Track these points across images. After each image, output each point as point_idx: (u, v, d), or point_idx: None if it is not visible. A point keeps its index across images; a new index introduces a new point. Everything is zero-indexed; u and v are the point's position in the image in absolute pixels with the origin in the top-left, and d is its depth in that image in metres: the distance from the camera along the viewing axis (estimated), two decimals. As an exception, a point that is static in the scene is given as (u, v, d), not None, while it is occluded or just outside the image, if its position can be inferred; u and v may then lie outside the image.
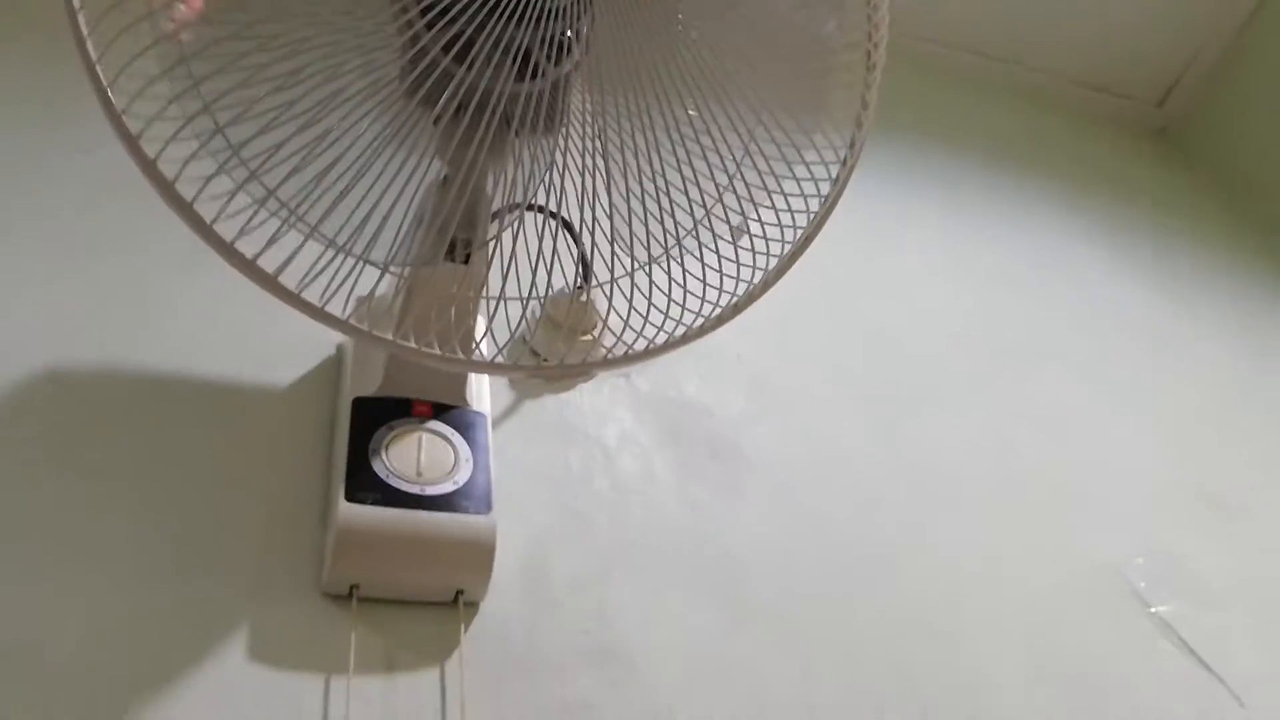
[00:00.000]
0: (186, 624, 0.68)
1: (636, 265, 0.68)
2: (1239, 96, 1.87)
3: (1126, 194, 1.78)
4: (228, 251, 0.58)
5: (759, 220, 0.72)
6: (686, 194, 0.71)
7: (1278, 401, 1.36)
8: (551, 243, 0.68)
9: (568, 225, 0.70)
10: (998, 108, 1.86)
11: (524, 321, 0.67)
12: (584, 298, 0.92)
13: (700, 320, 0.69)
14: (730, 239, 0.75)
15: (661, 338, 0.68)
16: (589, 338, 0.92)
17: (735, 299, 0.73)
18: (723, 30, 0.65)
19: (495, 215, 0.71)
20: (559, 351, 0.75)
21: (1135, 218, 1.70)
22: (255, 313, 0.89)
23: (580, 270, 0.81)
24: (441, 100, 0.60)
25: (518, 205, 0.70)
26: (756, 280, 0.73)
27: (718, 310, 0.72)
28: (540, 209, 0.70)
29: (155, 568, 0.71)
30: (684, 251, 0.70)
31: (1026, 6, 1.83)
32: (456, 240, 0.68)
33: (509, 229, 0.67)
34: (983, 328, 1.29)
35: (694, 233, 0.72)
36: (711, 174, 0.71)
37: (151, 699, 0.63)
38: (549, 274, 0.67)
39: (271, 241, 0.59)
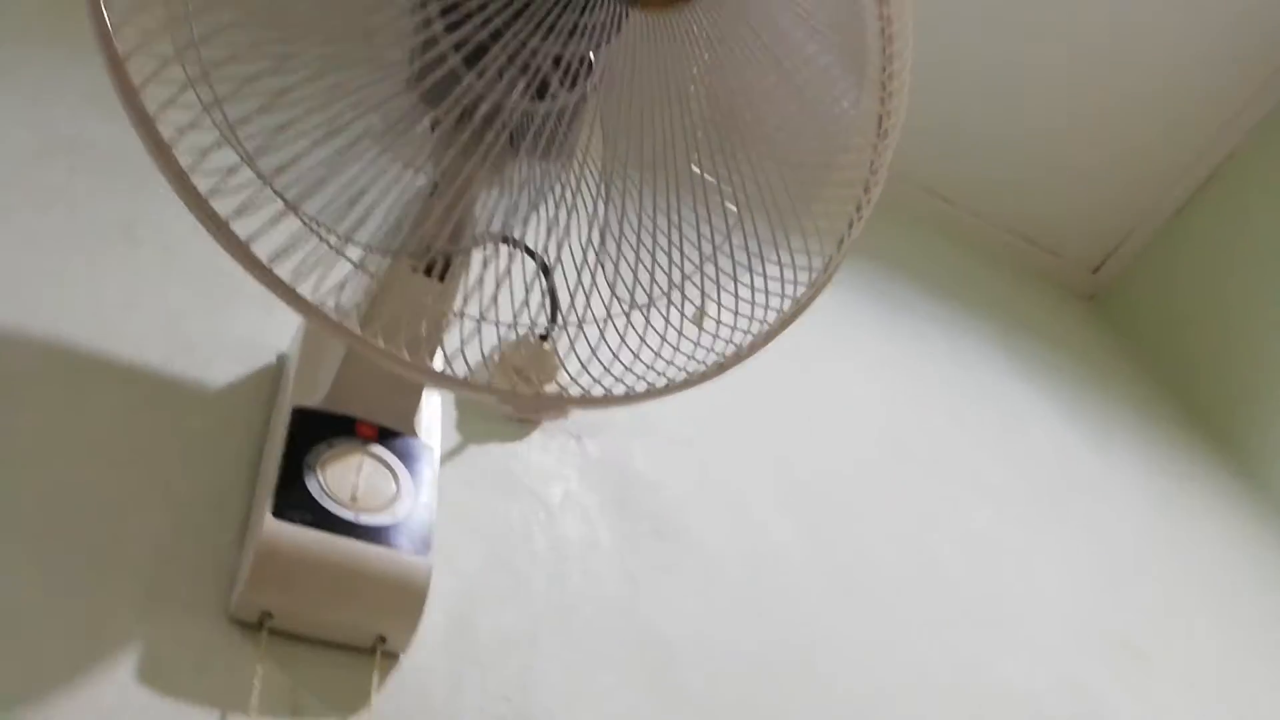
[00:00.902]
0: (69, 630, 0.60)
1: (620, 309, 0.66)
2: (1167, 274, 1.98)
3: (1054, 344, 1.85)
4: (204, 210, 0.54)
5: (735, 295, 0.71)
6: (669, 254, 0.70)
7: (1183, 550, 1.40)
8: (525, 278, 0.66)
9: (545, 268, 0.68)
10: (940, 243, 1.93)
11: (495, 350, 0.64)
12: (547, 345, 0.89)
13: (680, 375, 0.67)
14: (692, 319, 0.74)
15: (641, 386, 0.65)
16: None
17: (706, 366, 0.71)
18: (738, 88, 0.65)
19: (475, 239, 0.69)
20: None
21: (1061, 366, 1.76)
22: (196, 301, 0.83)
23: (549, 311, 0.79)
24: (445, 103, 0.58)
25: (499, 235, 0.68)
26: (728, 353, 0.71)
27: (688, 371, 0.70)
28: (515, 243, 0.69)
29: (38, 560, 0.63)
30: (664, 304, 0.69)
31: (980, 153, 1.92)
32: (435, 256, 0.65)
33: (487, 257, 0.65)
34: (915, 444, 1.30)
35: (668, 294, 0.71)
36: (698, 242, 0.70)
37: (21, 712, 0.55)
38: (526, 307, 0.65)
39: (244, 209, 0.55)
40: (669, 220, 0.69)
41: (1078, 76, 1.85)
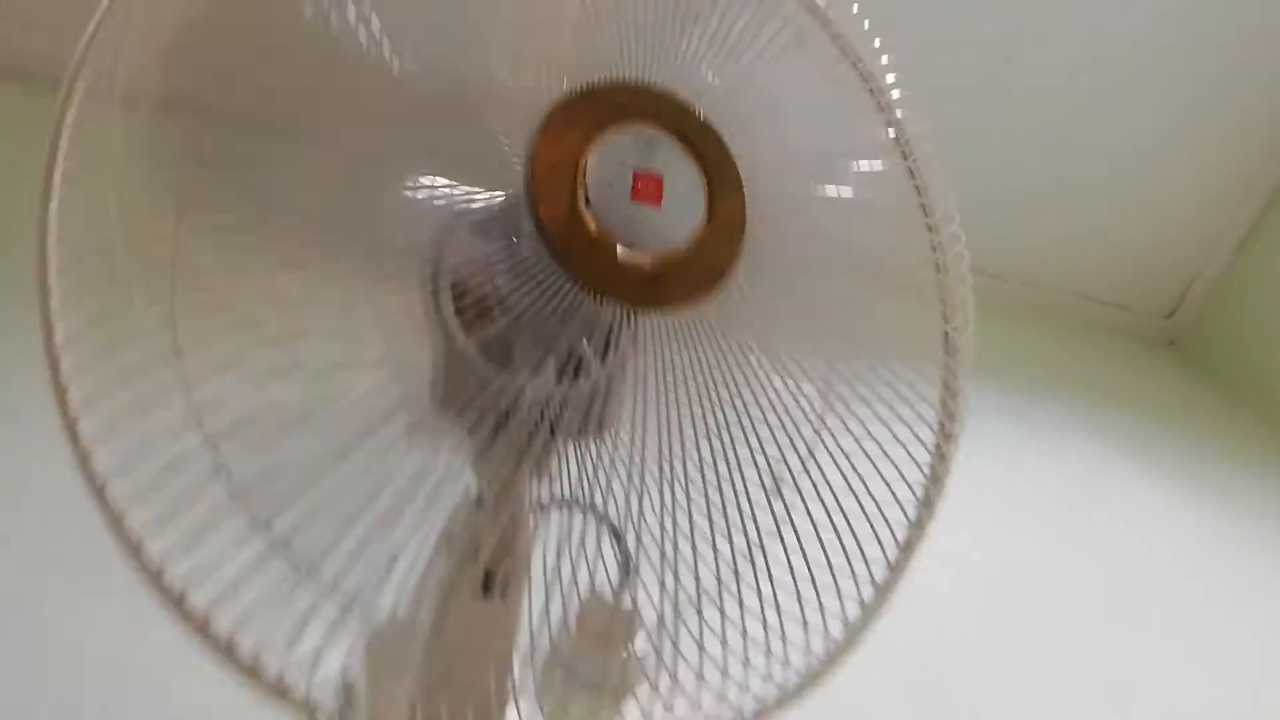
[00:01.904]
0: None
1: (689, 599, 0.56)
2: (1245, 304, 1.86)
3: (1143, 406, 1.72)
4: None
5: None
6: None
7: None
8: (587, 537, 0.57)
9: (615, 529, 0.59)
10: (998, 322, 1.82)
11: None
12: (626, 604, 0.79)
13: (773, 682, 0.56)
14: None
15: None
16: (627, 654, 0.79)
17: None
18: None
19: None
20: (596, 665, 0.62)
21: (1157, 432, 1.63)
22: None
23: (622, 569, 0.69)
24: (474, 410, 0.50)
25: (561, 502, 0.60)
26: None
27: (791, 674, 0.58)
28: (581, 505, 0.60)
29: None
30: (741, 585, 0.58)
31: (1020, 217, 1.83)
32: (490, 573, 0.56)
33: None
34: (1025, 577, 1.17)
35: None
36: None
37: None
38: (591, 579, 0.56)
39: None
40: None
41: (1112, 119, 1.76)
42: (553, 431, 0.53)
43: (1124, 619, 1.15)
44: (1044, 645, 1.06)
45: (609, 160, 0.42)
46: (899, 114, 0.53)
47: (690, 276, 0.44)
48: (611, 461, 0.55)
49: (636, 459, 0.53)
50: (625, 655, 0.76)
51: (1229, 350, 1.89)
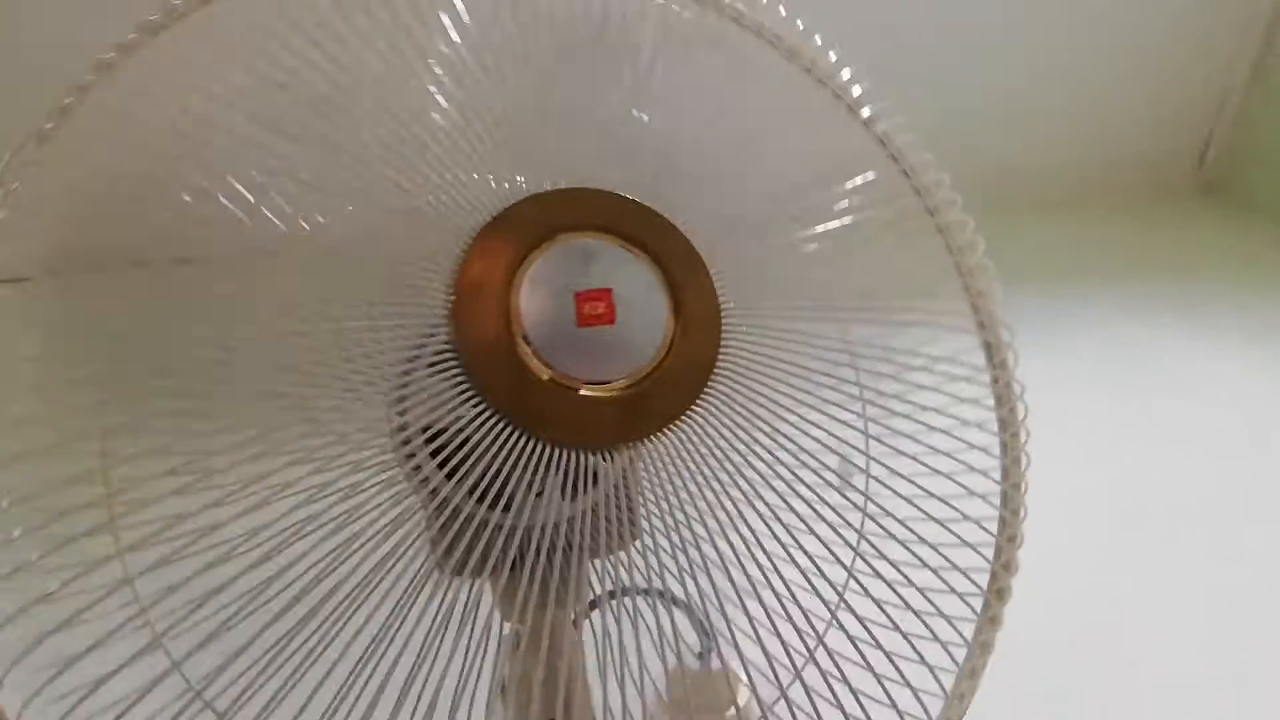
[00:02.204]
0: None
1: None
2: (1273, 130, 1.74)
3: (1199, 266, 1.61)
4: None
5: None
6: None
7: None
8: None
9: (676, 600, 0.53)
10: (1047, 224, 1.72)
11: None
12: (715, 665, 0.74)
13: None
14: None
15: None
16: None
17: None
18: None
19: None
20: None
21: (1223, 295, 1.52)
22: None
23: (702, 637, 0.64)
24: (488, 558, 0.45)
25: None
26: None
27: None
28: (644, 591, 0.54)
29: None
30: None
31: (1038, 117, 1.72)
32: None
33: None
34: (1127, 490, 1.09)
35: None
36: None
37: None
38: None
39: None
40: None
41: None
42: (576, 551, 0.47)
43: (1225, 513, 1.07)
44: (1161, 562, 0.99)
45: (542, 292, 0.36)
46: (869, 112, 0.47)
47: (675, 382, 0.38)
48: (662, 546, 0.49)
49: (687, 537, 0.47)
50: (732, 713, 0.71)
51: (1272, 181, 1.77)
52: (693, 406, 0.38)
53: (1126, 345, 1.37)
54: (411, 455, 0.41)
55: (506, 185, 0.38)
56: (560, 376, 0.36)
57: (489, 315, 0.36)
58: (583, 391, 0.36)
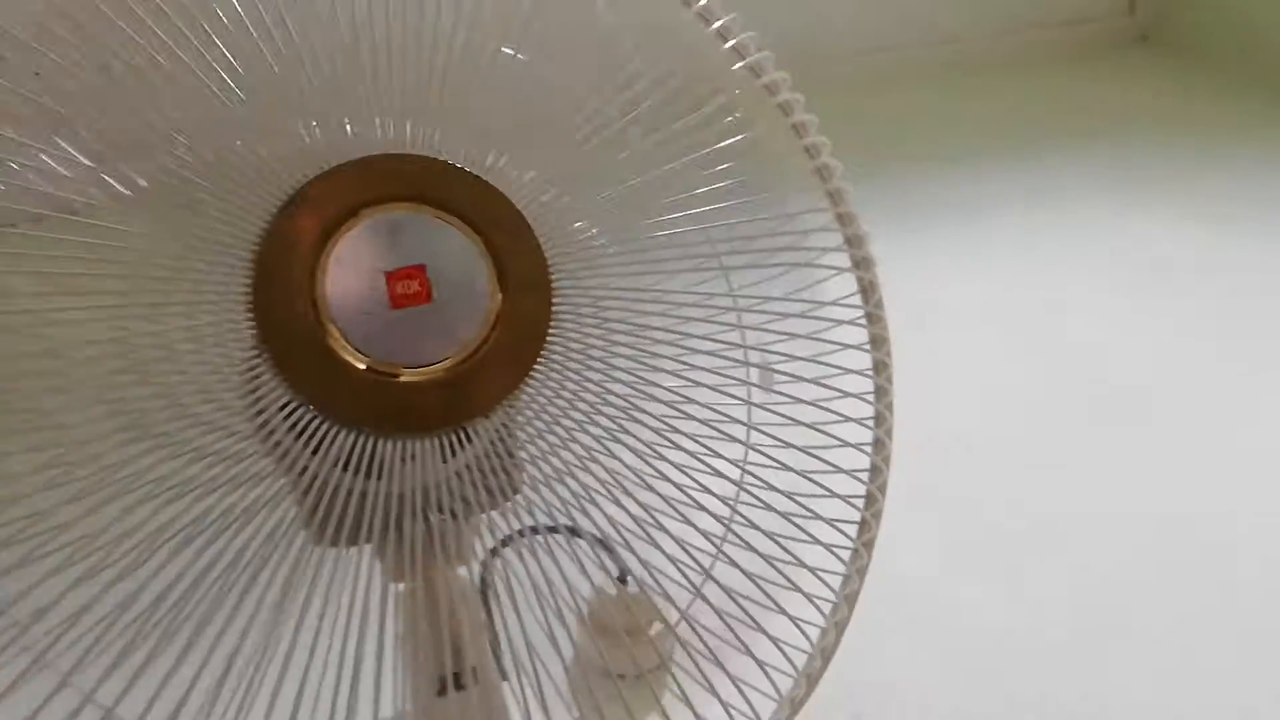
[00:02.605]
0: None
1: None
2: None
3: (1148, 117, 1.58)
4: None
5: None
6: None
7: None
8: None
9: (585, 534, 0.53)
10: (981, 91, 1.67)
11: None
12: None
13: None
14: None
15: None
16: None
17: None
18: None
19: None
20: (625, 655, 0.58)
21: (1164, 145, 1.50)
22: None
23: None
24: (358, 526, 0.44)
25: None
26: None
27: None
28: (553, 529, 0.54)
29: None
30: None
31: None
32: (447, 678, 0.51)
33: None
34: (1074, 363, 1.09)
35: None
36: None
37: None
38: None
39: None
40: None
41: None
42: (461, 511, 0.46)
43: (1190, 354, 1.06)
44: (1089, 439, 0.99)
45: (350, 275, 0.34)
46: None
47: (504, 358, 0.36)
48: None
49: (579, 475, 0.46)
50: (652, 634, 0.72)
51: (1210, 28, 1.73)
52: (528, 378, 0.36)
53: (1054, 214, 1.36)
54: (272, 433, 0.39)
55: (300, 156, 0.35)
56: (377, 364, 0.34)
57: (294, 306, 0.33)
58: (402, 378, 0.34)
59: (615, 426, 0.41)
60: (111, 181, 0.35)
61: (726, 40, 0.44)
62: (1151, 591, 0.79)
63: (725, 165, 0.42)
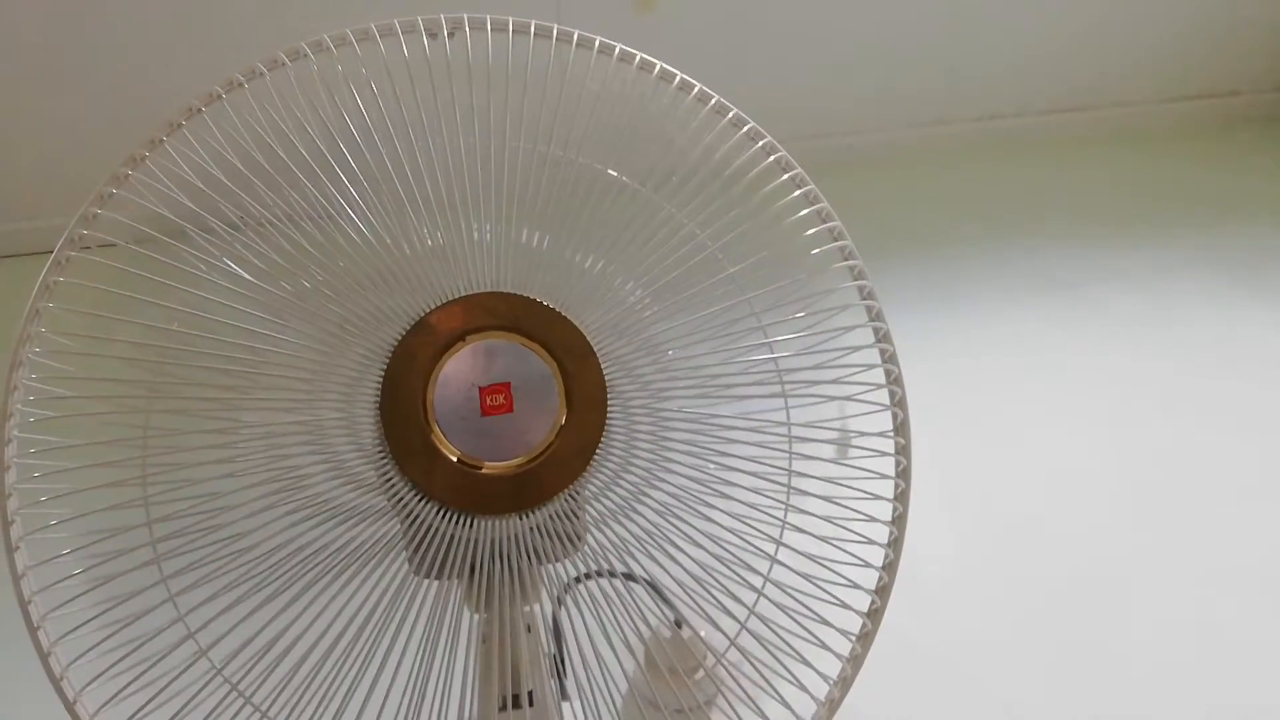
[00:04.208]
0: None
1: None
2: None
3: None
4: None
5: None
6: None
7: None
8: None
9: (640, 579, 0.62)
10: (1081, 159, 1.66)
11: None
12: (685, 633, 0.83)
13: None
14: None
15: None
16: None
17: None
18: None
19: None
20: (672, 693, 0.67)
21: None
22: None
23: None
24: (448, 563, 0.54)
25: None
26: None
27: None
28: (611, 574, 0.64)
29: None
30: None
31: (1101, 46, 1.66)
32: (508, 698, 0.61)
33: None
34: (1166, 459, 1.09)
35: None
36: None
37: None
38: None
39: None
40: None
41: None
42: (533, 558, 0.57)
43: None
44: (1197, 536, 1.00)
45: (453, 388, 0.45)
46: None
47: (563, 460, 0.46)
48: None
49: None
50: (699, 676, 0.81)
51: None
52: (586, 471, 0.46)
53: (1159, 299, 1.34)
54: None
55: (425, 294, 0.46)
56: (466, 457, 0.45)
57: (410, 408, 0.44)
58: (485, 470, 0.45)
59: (663, 509, 0.51)
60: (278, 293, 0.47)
61: (799, 187, 0.53)
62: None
63: (779, 308, 0.51)
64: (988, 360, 1.20)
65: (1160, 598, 0.91)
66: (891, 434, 0.56)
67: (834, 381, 0.55)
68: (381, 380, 0.44)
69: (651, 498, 0.50)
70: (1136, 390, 1.16)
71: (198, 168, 0.50)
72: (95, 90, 1.27)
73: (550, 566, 0.54)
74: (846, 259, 0.56)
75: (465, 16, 0.54)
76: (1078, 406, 1.14)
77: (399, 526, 0.50)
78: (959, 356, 1.20)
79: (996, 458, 1.06)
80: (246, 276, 0.46)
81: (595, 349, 0.46)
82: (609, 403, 0.46)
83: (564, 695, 0.63)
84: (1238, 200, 1.55)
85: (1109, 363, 1.21)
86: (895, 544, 0.55)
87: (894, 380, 0.54)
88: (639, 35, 1.36)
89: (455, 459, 0.45)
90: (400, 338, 0.45)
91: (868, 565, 0.57)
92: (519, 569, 0.51)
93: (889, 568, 0.56)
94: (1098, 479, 1.04)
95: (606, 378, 0.46)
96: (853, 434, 0.59)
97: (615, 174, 0.52)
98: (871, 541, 0.56)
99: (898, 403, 0.55)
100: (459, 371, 0.45)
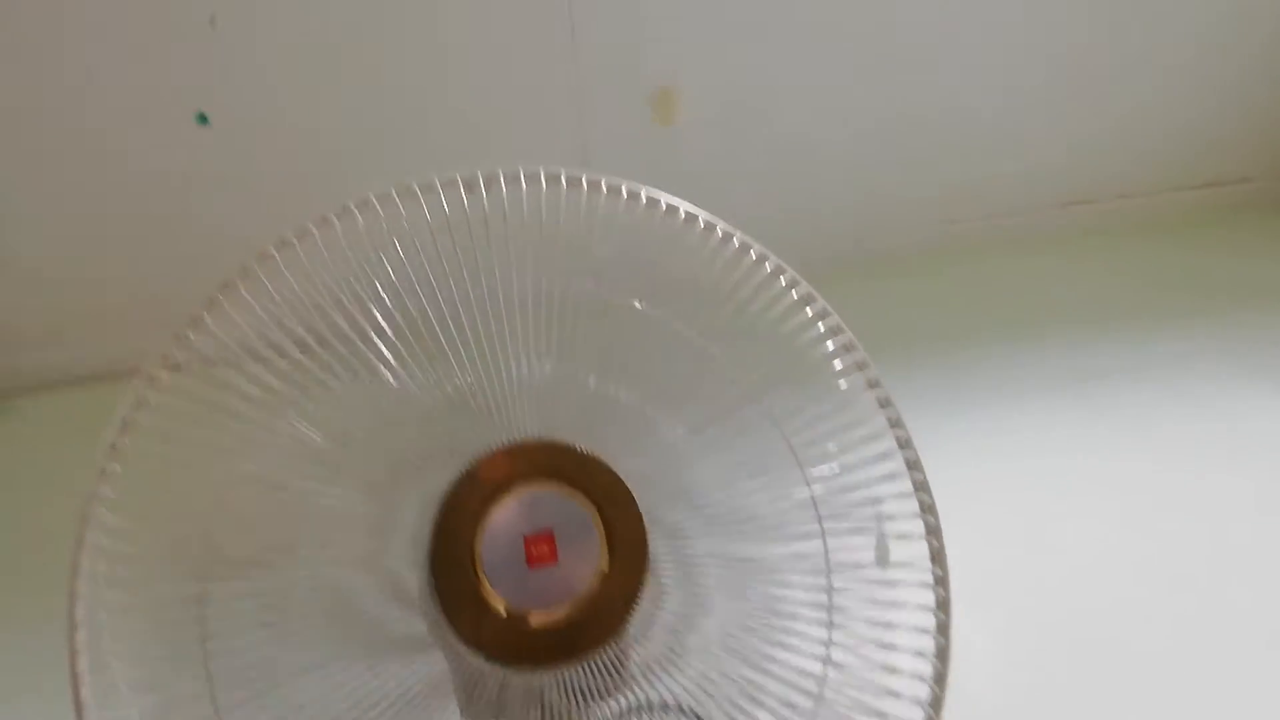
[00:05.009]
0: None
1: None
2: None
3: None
4: None
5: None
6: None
7: None
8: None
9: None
10: (1098, 256, 1.67)
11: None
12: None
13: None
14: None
15: None
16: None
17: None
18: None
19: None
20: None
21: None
22: None
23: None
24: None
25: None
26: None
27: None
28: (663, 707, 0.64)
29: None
30: None
31: (1111, 137, 1.68)
32: None
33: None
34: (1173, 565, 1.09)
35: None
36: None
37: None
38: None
39: None
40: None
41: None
42: (581, 699, 0.57)
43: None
44: (1225, 625, 0.99)
45: (500, 539, 0.46)
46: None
47: (606, 610, 0.47)
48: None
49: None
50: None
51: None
52: (630, 616, 0.47)
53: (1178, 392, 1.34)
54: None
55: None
56: (513, 609, 0.46)
57: (458, 558, 0.46)
58: (532, 622, 0.46)
59: (706, 646, 0.51)
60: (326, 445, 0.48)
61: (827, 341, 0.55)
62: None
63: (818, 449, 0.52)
64: (1005, 462, 1.21)
65: (1195, 686, 0.90)
66: (930, 567, 0.56)
67: (868, 504, 0.56)
68: (431, 531, 0.46)
69: (695, 635, 0.51)
70: (1155, 482, 1.16)
71: (255, 323, 0.52)
72: (158, 244, 1.28)
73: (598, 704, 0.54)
74: (872, 387, 0.58)
75: (500, 170, 0.57)
76: (1097, 503, 1.14)
77: (449, 669, 0.50)
78: (977, 458, 1.21)
79: (1023, 559, 1.06)
80: (303, 430, 0.48)
81: (634, 494, 0.48)
82: (649, 546, 0.47)
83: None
84: (1251, 288, 1.56)
85: (1127, 456, 1.21)
86: (941, 677, 0.55)
87: (928, 510, 0.55)
88: (662, 147, 1.39)
89: (504, 612, 0.46)
90: (449, 488, 0.46)
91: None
92: (568, 710, 0.52)
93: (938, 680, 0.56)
94: (1125, 572, 1.04)
95: (646, 522, 0.48)
96: (890, 536, 0.60)
97: (640, 307, 0.55)
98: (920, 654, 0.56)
99: (932, 531, 0.56)
100: (505, 522, 0.46)
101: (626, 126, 1.38)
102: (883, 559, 0.63)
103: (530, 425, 0.49)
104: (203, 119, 1.20)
